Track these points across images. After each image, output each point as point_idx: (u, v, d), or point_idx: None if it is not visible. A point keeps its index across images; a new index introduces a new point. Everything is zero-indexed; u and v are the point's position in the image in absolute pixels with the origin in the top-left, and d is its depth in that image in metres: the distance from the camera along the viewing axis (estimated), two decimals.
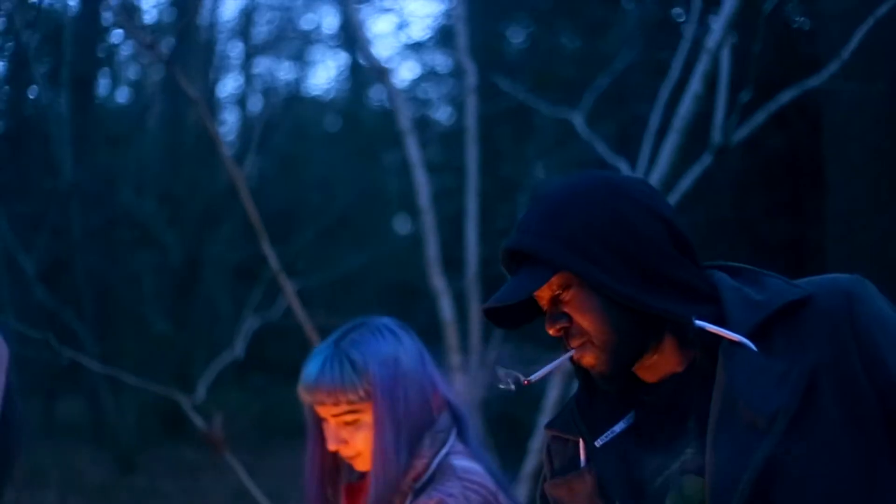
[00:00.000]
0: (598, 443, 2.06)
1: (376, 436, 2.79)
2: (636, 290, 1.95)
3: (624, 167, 5.82)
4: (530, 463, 5.83)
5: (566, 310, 2.01)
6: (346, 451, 2.84)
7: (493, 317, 2.10)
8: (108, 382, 13.59)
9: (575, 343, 2.02)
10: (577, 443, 2.11)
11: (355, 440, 2.83)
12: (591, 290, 1.97)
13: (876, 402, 1.88)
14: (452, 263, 6.53)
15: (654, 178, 5.50)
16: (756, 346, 1.92)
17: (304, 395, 2.86)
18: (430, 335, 6.32)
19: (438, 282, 6.11)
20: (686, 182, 5.94)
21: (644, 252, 1.96)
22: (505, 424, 8.05)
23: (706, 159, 5.92)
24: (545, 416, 5.74)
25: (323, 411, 2.83)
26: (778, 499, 1.85)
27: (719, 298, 1.99)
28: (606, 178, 2.05)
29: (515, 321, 2.14)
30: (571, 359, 2.05)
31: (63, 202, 13.70)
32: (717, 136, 5.78)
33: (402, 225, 14.23)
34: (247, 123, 15.84)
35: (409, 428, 2.82)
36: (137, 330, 14.16)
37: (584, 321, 1.99)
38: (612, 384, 2.05)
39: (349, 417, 2.80)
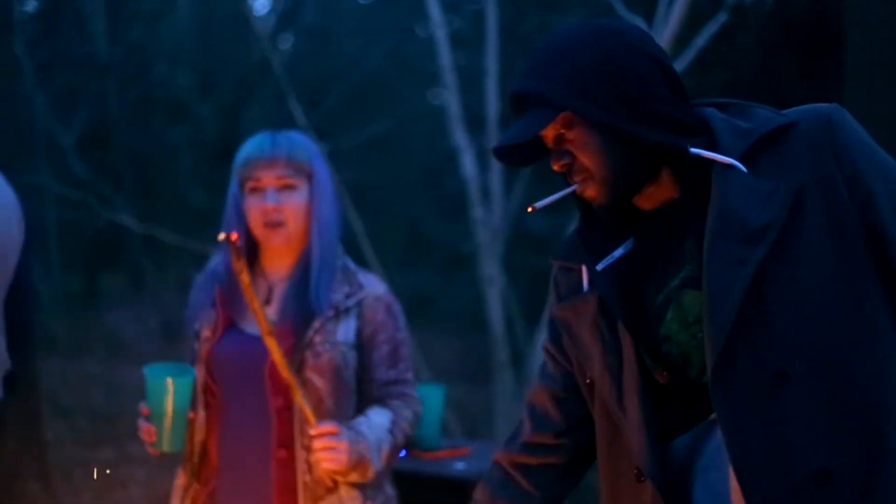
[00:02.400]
0: (599, 267, 2.18)
1: (316, 208, 3.19)
2: (633, 126, 2.07)
3: (640, 24, 5.92)
4: (547, 313, 5.98)
5: (569, 147, 2.13)
6: (275, 215, 3.14)
7: (503, 156, 2.24)
8: (148, 253, 13.84)
9: (577, 178, 2.14)
10: (581, 270, 2.24)
11: (289, 205, 3.15)
12: (591, 129, 2.09)
13: (856, 215, 2.03)
14: (475, 123, 6.66)
15: (668, 34, 5.62)
16: (746, 168, 2.06)
17: (249, 167, 3.17)
18: (457, 197, 6.51)
19: (460, 138, 6.27)
20: (701, 40, 6.05)
21: (640, 91, 2.08)
22: (527, 273, 8.20)
23: (721, 17, 6.02)
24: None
25: (266, 177, 3.15)
26: (769, 303, 2.00)
27: (710, 130, 2.12)
28: (603, 25, 2.16)
29: (524, 160, 2.28)
30: (574, 192, 2.19)
31: (98, 77, 13.82)
32: None
33: (433, 97, 14.23)
34: None
35: (337, 213, 3.26)
36: (173, 201, 14.29)
37: (585, 158, 2.11)
38: (613, 214, 2.18)
39: (290, 181, 3.15)
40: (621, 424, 2.19)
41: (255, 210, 3.15)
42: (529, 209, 2.29)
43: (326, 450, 2.96)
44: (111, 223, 10.47)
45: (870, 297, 2.04)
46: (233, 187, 3.22)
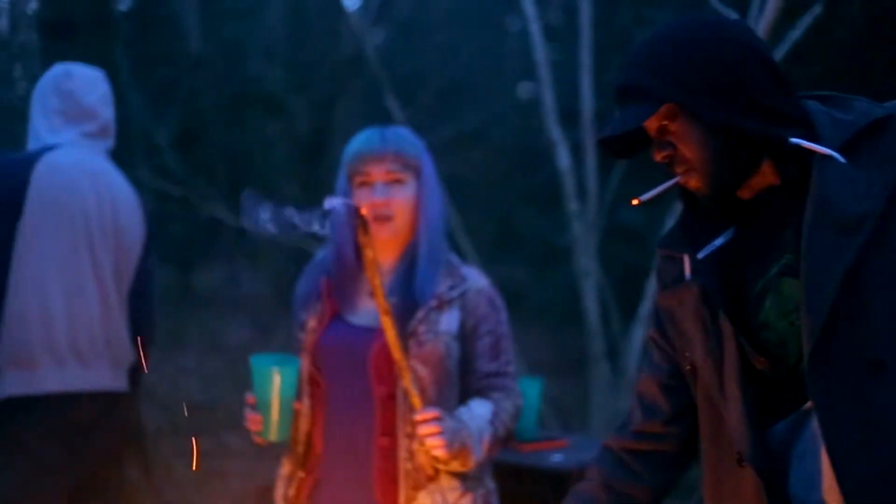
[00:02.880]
0: (700, 255, 2.25)
1: (424, 202, 3.25)
2: (735, 118, 2.12)
3: (734, 16, 5.89)
4: (646, 306, 5.99)
5: (671, 139, 2.19)
6: (383, 208, 3.19)
7: (607, 147, 2.30)
8: (242, 248, 13.98)
9: (679, 169, 2.20)
10: (683, 259, 2.30)
11: (397, 199, 3.21)
12: (694, 121, 2.15)
13: None
14: (569, 117, 6.68)
15: (762, 27, 5.58)
16: (845, 159, 2.09)
17: (359, 161, 3.23)
18: (551, 191, 6.53)
19: (555, 132, 6.29)
20: (797, 32, 6.00)
21: (741, 83, 2.12)
22: (622, 270, 8.20)
23: (816, 9, 5.97)
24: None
25: (375, 171, 3.21)
26: (867, 293, 2.03)
27: (811, 122, 2.16)
28: (706, 19, 2.21)
29: (627, 151, 2.34)
30: (678, 183, 2.25)
31: (192, 73, 13.98)
32: None
33: (525, 90, 14.24)
34: None
35: (443, 207, 3.32)
36: (267, 196, 14.39)
37: (687, 149, 2.17)
38: (715, 204, 2.23)
39: (399, 175, 3.21)
40: (722, 410, 2.24)
41: (364, 204, 3.18)
42: (634, 202, 2.35)
43: (430, 435, 2.99)
44: (206, 218, 10.59)
45: None
46: (341, 181, 3.28)
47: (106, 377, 4.12)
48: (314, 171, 13.14)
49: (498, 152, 13.40)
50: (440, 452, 3.00)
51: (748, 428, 2.17)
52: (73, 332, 4.03)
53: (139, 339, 4.26)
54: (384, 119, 6.58)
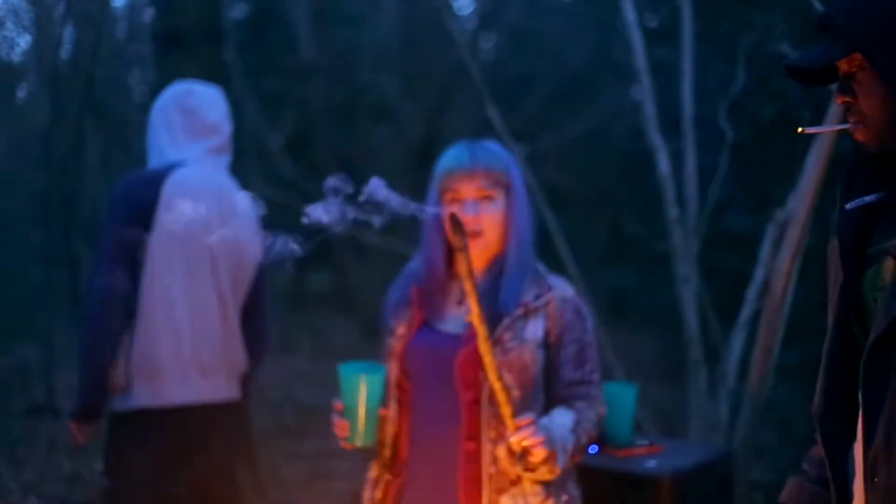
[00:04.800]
0: (848, 206, 2.27)
1: (514, 216, 3.29)
2: None
3: None
4: (746, 311, 5.96)
5: (855, 87, 2.20)
6: (474, 225, 3.23)
7: (794, 73, 2.30)
8: (353, 252, 14.11)
9: (853, 119, 2.22)
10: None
11: (487, 215, 3.25)
12: (881, 78, 2.14)
13: None
14: (670, 123, 6.67)
15: None
16: None
17: (449, 178, 3.28)
18: (654, 198, 6.52)
19: (656, 138, 6.30)
20: None
21: None
22: (722, 276, 8.14)
23: None
24: (761, 268, 5.88)
25: (465, 188, 3.26)
26: None
27: None
28: None
29: (814, 81, 2.33)
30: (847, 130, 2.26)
31: (304, 81, 14.14)
32: None
33: (628, 97, 14.20)
34: None
35: (532, 219, 3.35)
36: (377, 203, 14.44)
37: (864, 103, 2.18)
38: (876, 161, 2.25)
39: (489, 192, 3.25)
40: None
41: (464, 213, 3.25)
42: (799, 130, 2.40)
43: (526, 438, 3.00)
44: (317, 224, 10.72)
45: None
46: (432, 196, 3.33)
47: (222, 387, 4.25)
48: (423, 178, 13.16)
49: (605, 158, 13.36)
50: (541, 452, 3.01)
51: (823, 380, 2.21)
52: (197, 346, 4.16)
53: (253, 349, 4.38)
54: (488, 127, 6.64)
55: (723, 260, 8.14)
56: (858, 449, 2.09)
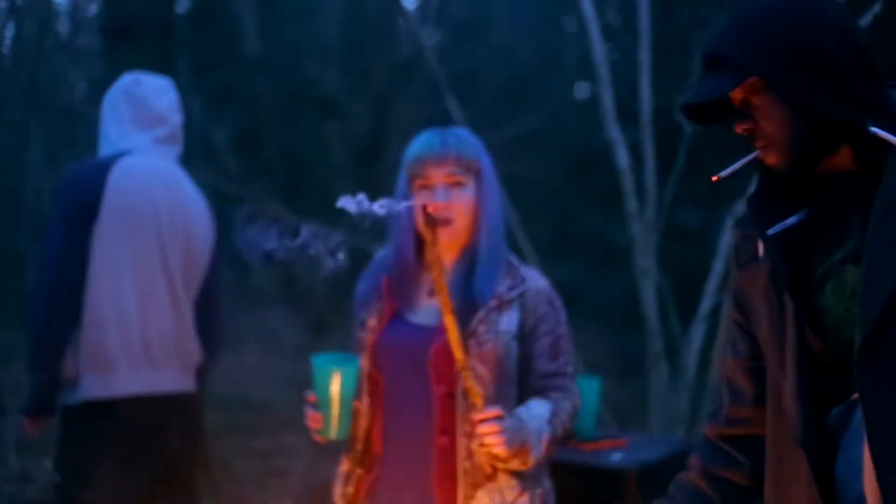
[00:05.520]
0: (770, 231, 2.24)
1: (484, 204, 3.25)
2: (818, 99, 2.10)
3: None
4: (706, 304, 5.97)
5: (754, 113, 2.19)
6: (444, 213, 3.18)
7: (690, 114, 2.30)
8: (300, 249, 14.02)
9: (759, 144, 2.20)
10: (757, 239, 2.30)
11: (458, 202, 3.21)
12: (778, 98, 2.14)
13: None
14: (628, 117, 6.67)
15: None
16: None
17: (419, 164, 3.24)
18: (610, 191, 6.54)
19: (614, 132, 6.30)
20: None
21: (830, 65, 2.10)
22: (681, 270, 8.17)
23: (876, 7, 5.93)
24: (720, 261, 5.89)
25: (435, 174, 3.22)
26: None
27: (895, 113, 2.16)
28: None
29: (709, 119, 2.33)
30: (755, 158, 2.25)
31: (250, 75, 14.07)
32: None
33: (582, 91, 14.22)
34: None
35: (502, 213, 3.32)
36: (324, 197, 14.45)
37: (768, 125, 2.17)
38: (790, 181, 2.22)
39: (460, 178, 3.21)
40: (782, 389, 2.24)
41: (434, 200, 3.20)
42: (714, 178, 2.34)
43: (490, 433, 2.99)
44: (264, 218, 10.65)
45: None
46: (401, 183, 3.29)
47: (176, 379, 4.19)
48: (371, 173, 13.18)
49: (558, 152, 13.38)
50: (500, 451, 3.00)
51: (801, 409, 2.17)
52: (146, 336, 4.10)
53: (208, 340, 4.33)
54: (442, 120, 6.59)
55: (681, 253, 8.17)
56: (867, 455, 2.07)
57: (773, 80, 2.12)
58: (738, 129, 2.22)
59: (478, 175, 3.26)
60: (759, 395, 2.44)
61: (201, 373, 4.35)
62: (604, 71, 6.40)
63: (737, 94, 2.20)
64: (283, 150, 14.21)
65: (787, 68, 2.10)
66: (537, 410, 3.14)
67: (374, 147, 13.37)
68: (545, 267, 4.96)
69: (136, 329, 4.08)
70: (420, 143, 3.27)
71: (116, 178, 4.06)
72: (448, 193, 3.22)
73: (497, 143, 11.06)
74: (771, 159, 2.20)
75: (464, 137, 3.30)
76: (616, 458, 4.33)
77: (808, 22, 2.12)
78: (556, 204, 13.58)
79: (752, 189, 2.33)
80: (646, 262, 6.18)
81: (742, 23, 2.17)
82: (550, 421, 3.15)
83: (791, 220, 2.25)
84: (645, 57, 6.46)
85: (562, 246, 13.55)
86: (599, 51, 6.41)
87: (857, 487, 2.12)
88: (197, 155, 11.99)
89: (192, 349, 4.26)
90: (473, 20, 15.41)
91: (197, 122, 12.19)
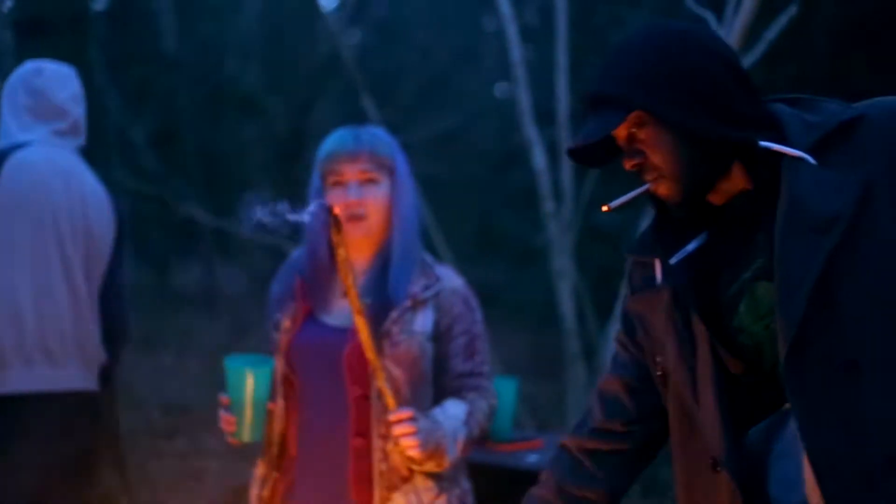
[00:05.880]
0: (672, 260, 2.24)
1: (397, 201, 3.25)
2: (704, 123, 2.11)
3: (710, 17, 5.90)
4: (621, 305, 5.99)
5: (641, 147, 2.18)
6: (357, 208, 3.19)
7: (577, 157, 2.29)
8: (219, 248, 13.95)
9: (650, 177, 2.19)
10: (654, 264, 2.28)
11: (371, 199, 3.21)
12: (662, 128, 2.14)
13: None
14: (545, 117, 6.69)
15: (737, 27, 5.59)
16: (815, 161, 2.08)
17: (332, 161, 3.23)
18: (527, 191, 6.56)
19: (531, 132, 6.31)
20: (771, 33, 6.02)
21: (709, 89, 2.11)
22: (598, 270, 8.21)
23: (791, 10, 5.99)
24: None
25: (348, 171, 3.21)
26: (840, 294, 2.03)
27: (780, 124, 2.15)
28: (673, 25, 2.20)
29: (598, 160, 2.32)
30: (647, 190, 2.24)
31: (169, 73, 13.96)
32: None
33: (502, 90, 14.27)
34: None
35: (417, 207, 3.33)
36: (244, 196, 14.38)
37: (656, 157, 2.16)
38: (686, 211, 2.22)
39: (373, 175, 3.21)
40: (695, 415, 2.22)
41: (338, 204, 3.18)
42: (604, 208, 2.33)
43: (404, 435, 2.99)
44: (183, 217, 10.58)
45: None
46: (315, 181, 3.28)
47: (76, 377, 4.10)
48: (291, 171, 13.12)
49: (476, 152, 13.41)
50: (414, 453, 3.00)
51: (723, 432, 2.16)
52: (42, 332, 4.01)
53: (111, 338, 4.24)
54: (360, 119, 6.58)
55: (598, 254, 8.21)
56: (806, 461, 2.08)
57: (656, 112, 2.12)
58: (628, 166, 2.20)
59: (391, 173, 3.26)
60: (637, 416, 2.43)
61: (106, 372, 4.27)
62: (521, 71, 6.41)
63: (621, 131, 2.19)
64: (202, 147, 14.11)
65: (667, 98, 2.11)
66: (453, 411, 3.14)
67: (293, 146, 13.32)
68: (464, 267, 4.95)
69: (31, 325, 3.99)
70: (333, 140, 3.26)
71: (11, 171, 3.97)
72: (361, 190, 3.20)
73: (416, 142, 11.13)
74: (663, 191, 2.19)
75: (378, 135, 3.30)
76: (532, 459, 4.33)
77: (681, 49, 2.13)
78: (475, 204, 13.61)
79: (645, 222, 2.33)
80: (562, 263, 6.19)
81: (618, 59, 2.17)
82: (466, 422, 3.15)
83: (691, 247, 2.25)
84: (562, 57, 6.48)
85: (481, 246, 13.59)
86: (516, 51, 6.42)
87: (795, 499, 2.12)
88: (114, 152, 11.89)
89: (94, 347, 4.18)
90: (394, 20, 15.40)
91: (114, 119, 12.09)
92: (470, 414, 3.17)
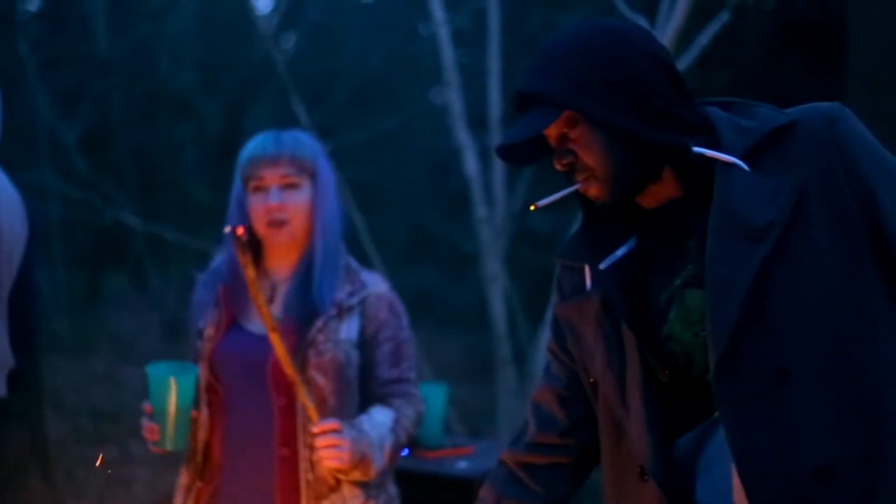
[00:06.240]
0: (602, 266, 2.19)
1: (319, 206, 3.21)
2: (635, 125, 2.08)
3: (643, 22, 5.92)
4: (551, 312, 5.98)
5: (572, 147, 2.13)
6: (279, 213, 3.15)
7: (506, 155, 2.24)
8: (151, 251, 13.83)
9: (580, 177, 2.14)
10: (584, 269, 2.24)
11: (293, 203, 3.17)
12: (594, 128, 2.09)
13: (858, 212, 2.03)
14: (478, 122, 6.68)
15: (669, 32, 5.61)
16: (748, 166, 2.06)
17: (253, 165, 3.18)
18: (460, 196, 6.55)
19: (463, 136, 6.29)
20: (704, 38, 6.05)
21: (642, 90, 2.08)
22: (530, 272, 8.21)
23: (724, 16, 6.03)
24: None
25: (269, 176, 3.16)
26: (772, 302, 2.01)
27: (713, 128, 2.12)
28: (606, 24, 2.17)
29: (527, 158, 2.28)
30: (577, 191, 2.19)
31: (101, 75, 13.82)
32: None
33: (436, 95, 14.27)
34: None
35: (340, 211, 3.28)
36: (177, 198, 14.31)
37: (587, 157, 2.11)
38: (616, 213, 2.19)
39: (294, 180, 3.16)
40: (624, 423, 2.20)
41: (259, 209, 3.16)
42: (532, 207, 2.30)
43: (329, 447, 2.98)
44: (114, 221, 10.48)
45: (872, 294, 2.05)
46: (236, 185, 3.24)
47: None
48: (224, 174, 13.01)
49: (409, 156, 13.40)
50: (340, 464, 2.99)
51: (651, 441, 2.14)
52: None
53: (22, 344, 4.16)
54: (293, 123, 6.53)
55: (530, 259, 8.21)
56: (735, 475, 2.06)
57: (587, 112, 2.09)
58: (559, 165, 2.16)
59: (313, 177, 3.22)
60: (571, 425, 2.40)
61: (16, 378, 4.18)
62: (453, 76, 6.39)
63: (552, 131, 2.15)
64: (135, 150, 13.99)
65: (598, 99, 2.07)
66: (379, 419, 3.13)
67: (226, 149, 13.22)
68: (396, 272, 4.94)
69: None
70: (254, 145, 3.22)
71: None
72: (282, 195, 3.17)
73: (349, 146, 11.09)
74: (593, 191, 2.15)
75: (299, 139, 3.25)
76: (462, 466, 4.32)
77: (614, 49, 2.10)
78: (409, 209, 13.59)
79: (576, 224, 2.30)
80: (494, 268, 6.18)
81: (550, 57, 2.13)
82: (393, 429, 3.14)
83: (621, 252, 2.21)
84: (495, 61, 6.48)
85: (414, 251, 13.57)
86: (449, 55, 6.40)
87: None
88: (45, 154, 11.76)
89: (2, 352, 4.10)
90: (329, 24, 15.35)
91: (45, 121, 11.95)
92: (396, 421, 3.16)
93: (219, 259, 3.38)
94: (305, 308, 3.15)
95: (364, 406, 3.20)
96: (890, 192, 2.05)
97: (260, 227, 3.19)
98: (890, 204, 2.04)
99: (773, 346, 2.01)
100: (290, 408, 3.10)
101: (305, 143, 3.25)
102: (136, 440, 8.17)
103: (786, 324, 2.02)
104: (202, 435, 3.22)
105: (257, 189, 3.19)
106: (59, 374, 9.71)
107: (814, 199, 2.04)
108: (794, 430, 2.00)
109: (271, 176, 3.17)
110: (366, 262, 5.65)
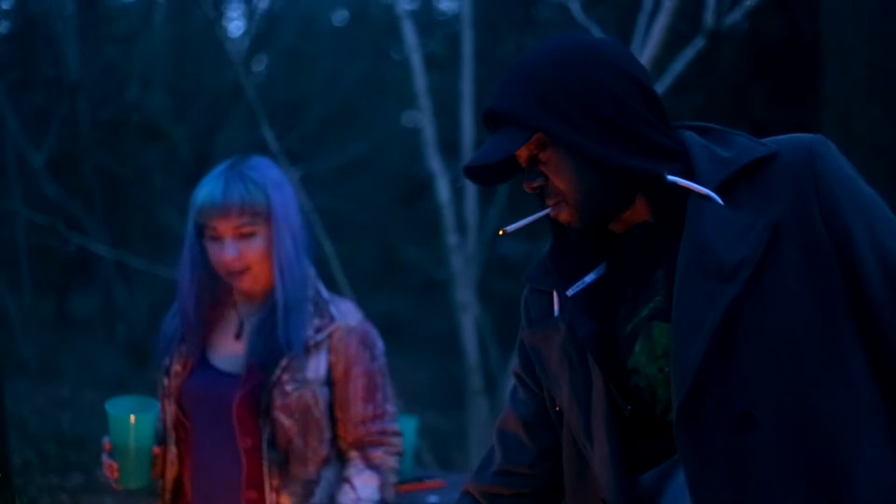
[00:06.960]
0: (569, 292, 2.12)
1: (276, 248, 3.07)
2: (609, 149, 2.00)
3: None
4: (518, 338, 5.95)
5: (542, 169, 2.06)
6: (236, 265, 3.04)
7: (474, 175, 2.15)
8: (119, 276, 13.74)
9: (551, 201, 2.08)
10: (552, 294, 2.18)
11: (249, 251, 3.04)
12: (565, 151, 2.02)
13: (834, 253, 1.96)
14: (450, 148, 6.64)
15: (645, 59, 5.58)
16: (723, 200, 1.99)
17: (204, 215, 3.04)
18: (432, 222, 6.50)
19: (435, 163, 6.24)
20: (679, 65, 6.03)
21: (616, 112, 2.01)
22: (502, 302, 8.17)
23: (699, 42, 6.00)
24: None
25: (221, 227, 3.03)
26: (739, 343, 1.93)
27: (688, 156, 2.05)
28: (580, 41, 2.09)
29: (495, 179, 2.19)
30: (548, 214, 2.12)
31: (70, 98, 13.75)
32: (709, 19, 5.85)
33: (408, 119, 14.27)
34: (253, 18, 15.75)
35: (302, 243, 3.13)
36: (146, 223, 14.24)
37: (558, 181, 2.05)
38: (586, 238, 2.11)
39: (247, 230, 3.03)
40: (588, 455, 2.14)
41: (217, 259, 3.07)
42: (501, 232, 2.23)
43: None
44: (77, 246, 10.40)
45: (844, 338, 1.98)
46: (189, 229, 3.12)
47: None
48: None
49: (381, 182, 13.36)
50: None
51: (614, 474, 2.07)
52: None
53: None
54: (262, 149, 6.46)
55: (501, 286, 8.17)
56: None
57: (554, 133, 2.01)
58: (528, 188, 2.09)
59: (268, 219, 3.07)
60: (539, 454, 2.33)
61: None
62: (425, 101, 6.35)
63: (522, 152, 2.08)
64: (105, 174, 13.90)
65: (571, 121, 1.99)
66: (365, 494, 3.08)
67: (196, 173, 13.16)
68: (366, 298, 4.87)
69: None
70: (203, 193, 3.06)
71: None
72: (237, 246, 3.04)
73: (320, 172, 11.04)
74: (564, 216, 2.08)
75: (249, 179, 3.06)
76: (432, 500, 4.25)
77: (589, 70, 2.01)
78: (379, 235, 13.55)
79: (545, 248, 2.23)
80: (465, 296, 6.13)
81: (519, 75, 2.06)
82: (380, 495, 3.10)
83: (589, 278, 2.14)
84: (467, 87, 6.44)
85: (384, 277, 13.52)
86: (421, 80, 6.36)
87: None
88: (12, 179, 11.67)
89: None
90: (301, 48, 15.32)
91: (12, 144, 11.87)
92: (382, 486, 3.11)
93: (182, 294, 3.26)
94: (271, 348, 3.06)
95: (338, 445, 3.14)
96: (867, 234, 1.98)
97: (221, 273, 3.10)
98: (866, 246, 1.98)
99: (737, 390, 1.94)
100: (256, 450, 3.03)
101: (256, 183, 3.07)
102: (102, 468, 8.12)
103: (752, 367, 1.94)
104: (171, 472, 3.15)
105: (213, 238, 3.07)
106: (24, 400, 9.61)
107: (788, 237, 1.97)
108: (756, 477, 1.93)
109: (224, 227, 3.04)
110: (335, 289, 5.60)
